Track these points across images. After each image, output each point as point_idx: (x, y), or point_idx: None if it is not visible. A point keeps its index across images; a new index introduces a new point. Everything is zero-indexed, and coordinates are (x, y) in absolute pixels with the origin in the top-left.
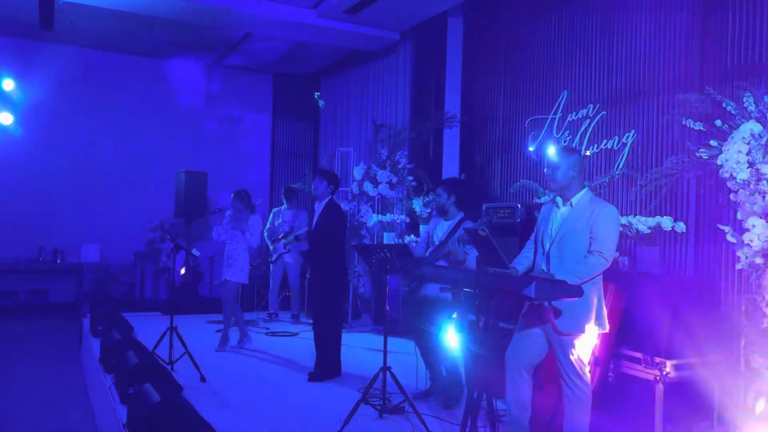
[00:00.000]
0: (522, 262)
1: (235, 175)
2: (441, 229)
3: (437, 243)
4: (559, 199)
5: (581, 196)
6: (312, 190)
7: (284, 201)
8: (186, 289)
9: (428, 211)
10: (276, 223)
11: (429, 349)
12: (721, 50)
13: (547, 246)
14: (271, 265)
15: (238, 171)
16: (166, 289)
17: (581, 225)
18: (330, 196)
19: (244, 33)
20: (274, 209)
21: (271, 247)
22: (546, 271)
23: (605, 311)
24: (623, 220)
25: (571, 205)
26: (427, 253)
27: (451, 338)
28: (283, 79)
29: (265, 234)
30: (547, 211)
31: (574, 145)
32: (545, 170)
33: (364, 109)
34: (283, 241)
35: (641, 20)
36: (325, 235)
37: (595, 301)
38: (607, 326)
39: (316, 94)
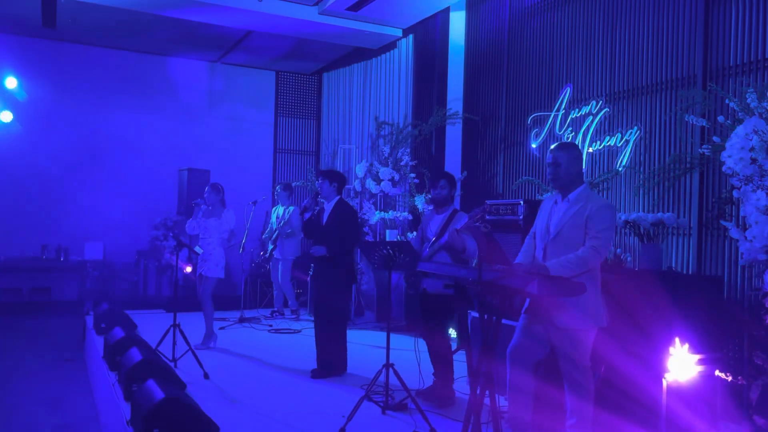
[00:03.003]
0: (526, 258)
1: (238, 172)
2: (435, 223)
3: (431, 237)
4: (557, 195)
5: (580, 192)
6: (319, 192)
7: (280, 198)
8: (189, 287)
9: (430, 208)
10: (272, 220)
11: (432, 345)
12: (724, 46)
13: (545, 241)
14: (271, 263)
15: (241, 168)
16: (169, 287)
17: (578, 220)
18: (338, 195)
19: (246, 30)
20: (274, 207)
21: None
22: (543, 265)
23: (604, 306)
24: (626, 216)
25: (569, 200)
26: (423, 248)
27: (452, 334)
28: (286, 76)
29: (266, 231)
30: (546, 206)
31: (577, 141)
32: (548, 170)
33: (367, 106)
34: (272, 237)
35: (644, 16)
36: (343, 235)
37: (594, 296)
38: (606, 321)
39: None
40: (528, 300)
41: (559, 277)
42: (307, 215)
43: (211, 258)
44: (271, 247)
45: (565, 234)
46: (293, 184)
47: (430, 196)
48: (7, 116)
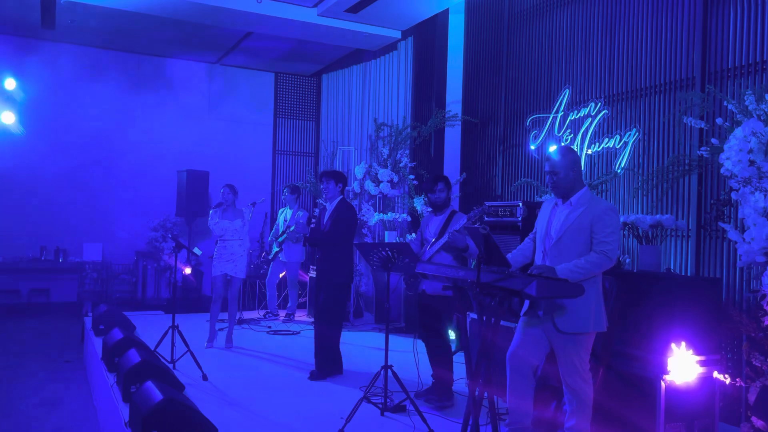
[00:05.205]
0: (517, 257)
1: (237, 173)
2: (434, 224)
3: (430, 239)
4: (558, 198)
5: (581, 195)
6: (323, 193)
7: (287, 200)
8: (187, 288)
9: (429, 210)
10: (280, 222)
11: (431, 346)
12: (722, 48)
13: (547, 245)
14: (271, 264)
15: (240, 170)
16: (167, 288)
17: (582, 224)
18: (341, 196)
19: (245, 32)
20: (280, 209)
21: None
22: (551, 267)
23: (605, 310)
24: (625, 218)
25: (570, 204)
26: (423, 250)
27: (451, 335)
28: (285, 77)
29: (271, 233)
30: (547, 209)
31: (575, 144)
32: (548, 178)
33: (366, 108)
34: (278, 240)
35: (643, 18)
36: (338, 226)
37: (595, 300)
38: (606, 325)
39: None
40: (527, 302)
41: (557, 278)
42: (313, 223)
43: (240, 259)
44: (276, 249)
45: (568, 238)
46: (297, 185)
47: (428, 199)
48: (9, 117)
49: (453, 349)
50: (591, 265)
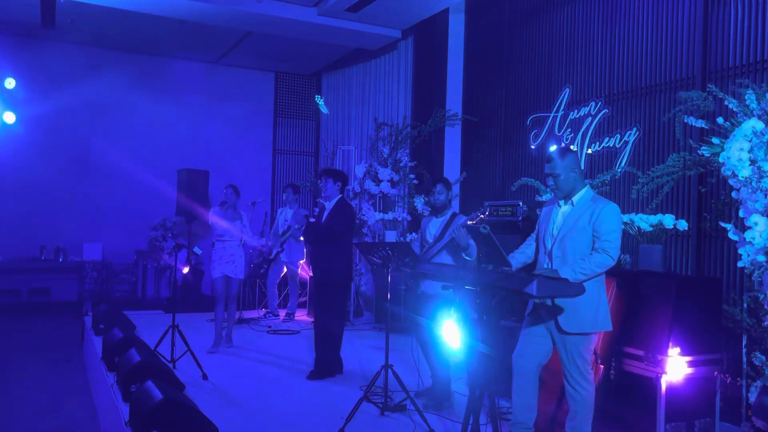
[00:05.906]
0: (517, 257)
1: (237, 173)
2: (434, 225)
3: (430, 240)
4: (560, 199)
5: (582, 194)
6: (321, 192)
7: (288, 200)
8: (187, 288)
9: (429, 209)
10: (280, 221)
11: (429, 346)
12: (723, 47)
13: (549, 245)
14: (272, 264)
15: (240, 169)
16: (167, 288)
17: (583, 223)
18: (340, 194)
19: (245, 32)
20: (280, 208)
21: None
22: (554, 270)
23: (608, 310)
24: (625, 218)
25: (572, 203)
26: (423, 251)
27: (451, 335)
28: (285, 77)
29: (272, 232)
30: (549, 209)
31: (575, 143)
32: (549, 180)
33: (366, 107)
34: (280, 239)
35: (643, 17)
36: (335, 225)
37: (599, 300)
38: (610, 325)
39: (317, 97)
40: (531, 302)
41: (558, 278)
42: (311, 219)
43: (240, 260)
44: (277, 249)
45: (570, 237)
46: (297, 184)
47: (427, 200)
48: (10, 117)
49: (453, 348)
50: (593, 266)
